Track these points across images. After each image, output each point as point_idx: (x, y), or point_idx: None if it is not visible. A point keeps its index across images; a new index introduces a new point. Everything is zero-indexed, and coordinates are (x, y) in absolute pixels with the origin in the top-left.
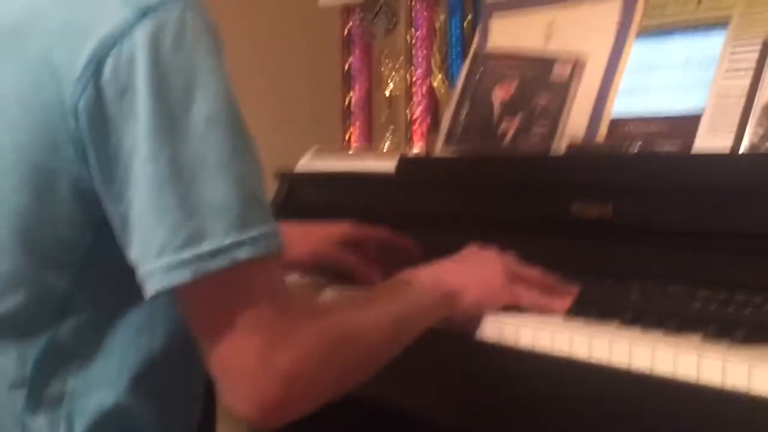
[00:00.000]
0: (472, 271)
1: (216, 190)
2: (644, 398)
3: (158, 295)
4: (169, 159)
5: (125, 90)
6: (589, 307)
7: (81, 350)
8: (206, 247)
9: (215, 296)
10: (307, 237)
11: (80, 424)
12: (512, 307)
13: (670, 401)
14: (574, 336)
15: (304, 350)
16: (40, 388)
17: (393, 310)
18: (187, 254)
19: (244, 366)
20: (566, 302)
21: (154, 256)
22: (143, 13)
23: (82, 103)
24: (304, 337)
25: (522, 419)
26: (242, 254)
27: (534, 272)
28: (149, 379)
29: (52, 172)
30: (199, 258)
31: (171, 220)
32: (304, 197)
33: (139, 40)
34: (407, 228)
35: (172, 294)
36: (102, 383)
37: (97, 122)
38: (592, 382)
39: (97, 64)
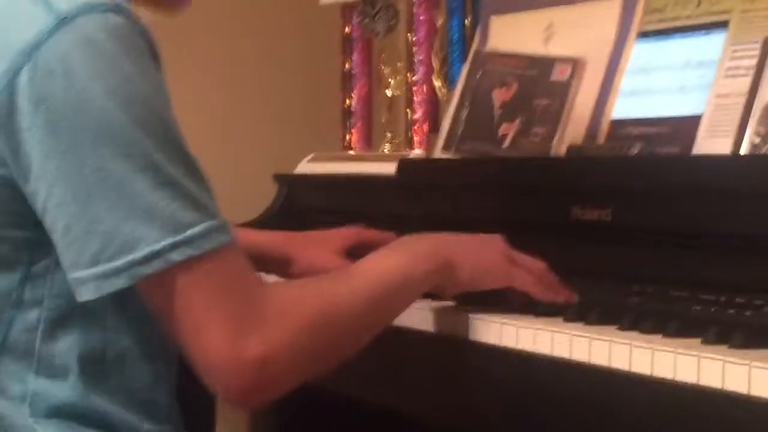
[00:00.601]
0: (471, 246)
1: (144, 195)
2: (644, 401)
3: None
4: (91, 170)
5: (39, 102)
6: (589, 310)
7: (35, 349)
8: (140, 252)
9: (166, 296)
10: (308, 247)
11: (46, 421)
12: (502, 301)
13: (670, 404)
14: (573, 339)
15: (274, 333)
16: (3, 384)
17: (383, 280)
18: (120, 262)
19: (215, 355)
20: (560, 296)
21: (86, 266)
22: (62, 22)
23: None
24: (273, 319)
25: (522, 423)
26: (178, 256)
27: (537, 263)
28: (107, 373)
29: None
30: (134, 264)
31: (102, 229)
32: (304, 200)
33: (56, 50)
34: (408, 230)
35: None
36: (63, 380)
37: (9, 132)
38: (592, 386)
39: (12, 75)
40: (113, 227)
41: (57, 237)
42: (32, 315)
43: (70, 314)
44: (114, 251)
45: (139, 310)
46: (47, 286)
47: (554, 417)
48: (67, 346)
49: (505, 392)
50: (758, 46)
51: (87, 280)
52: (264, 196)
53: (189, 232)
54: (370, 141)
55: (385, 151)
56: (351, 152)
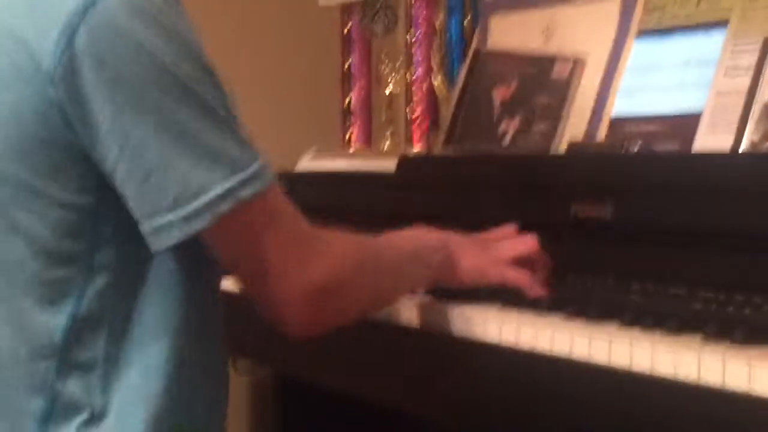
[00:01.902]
0: (469, 245)
1: (209, 138)
2: (644, 399)
3: (173, 247)
4: (158, 119)
5: (101, 60)
6: (589, 307)
7: (108, 316)
8: (213, 192)
9: (237, 233)
10: None
11: (116, 388)
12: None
13: (671, 402)
14: (574, 337)
15: (335, 261)
16: (71, 355)
17: (404, 255)
18: (199, 203)
19: (283, 284)
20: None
21: (168, 210)
22: None
23: (59, 73)
24: (332, 250)
25: (522, 420)
26: (247, 192)
27: (526, 244)
28: (181, 344)
29: (43, 141)
30: (211, 204)
31: (177, 173)
32: (305, 197)
33: (108, 8)
34: (407, 227)
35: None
36: (134, 347)
37: (75, 91)
38: (592, 383)
39: (71, 33)
40: (187, 171)
41: (131, 189)
42: (102, 280)
43: (139, 280)
44: (192, 193)
45: (204, 281)
46: (114, 251)
47: (553, 414)
48: (137, 310)
49: (504, 390)
50: (758, 44)
51: (171, 224)
52: None
53: (250, 170)
54: (370, 139)
55: (385, 148)
56: (351, 150)
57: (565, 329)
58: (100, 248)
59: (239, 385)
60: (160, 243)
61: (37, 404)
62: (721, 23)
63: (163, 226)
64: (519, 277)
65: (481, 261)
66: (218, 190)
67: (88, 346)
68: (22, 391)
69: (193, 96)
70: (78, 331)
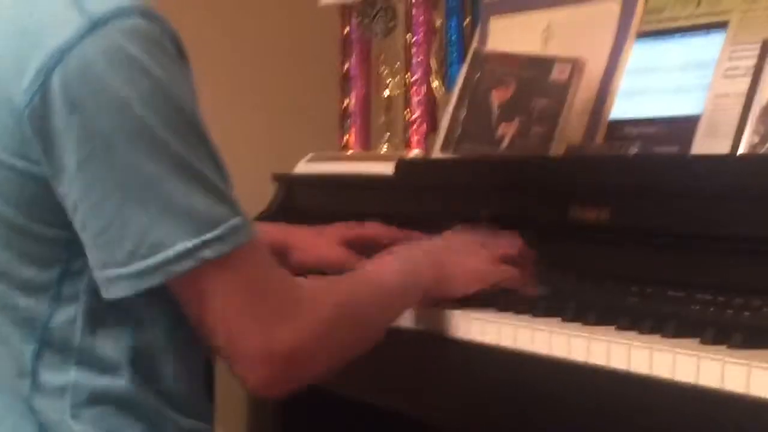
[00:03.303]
0: (460, 254)
1: (176, 194)
2: (643, 402)
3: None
4: (126, 171)
5: (73, 105)
6: (587, 310)
7: (76, 341)
8: (172, 251)
9: (198, 292)
10: (306, 236)
11: (85, 414)
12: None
13: (669, 405)
14: (571, 339)
15: (304, 324)
16: (42, 378)
17: (393, 282)
18: (153, 260)
19: (246, 346)
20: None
21: (121, 265)
22: (94, 25)
23: (27, 112)
24: (302, 313)
25: (519, 423)
26: (210, 253)
27: (514, 245)
28: (147, 364)
29: (21, 174)
30: (167, 262)
31: (135, 229)
32: (303, 200)
33: (87, 54)
34: (406, 229)
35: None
36: (103, 371)
37: (44, 132)
38: (590, 386)
39: (45, 76)
40: (147, 227)
41: (88, 237)
42: (70, 310)
43: (107, 308)
44: (147, 250)
45: (173, 305)
46: (85, 282)
47: (552, 417)
48: (106, 339)
49: (502, 392)
50: (757, 46)
51: (121, 278)
52: (263, 195)
53: (218, 231)
54: (368, 141)
55: (383, 151)
56: (349, 152)
57: (562, 332)
58: (69, 279)
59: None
60: (111, 293)
61: (22, 420)
62: (720, 25)
63: (114, 279)
64: (512, 275)
65: (476, 265)
66: (178, 248)
67: (57, 372)
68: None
69: (165, 150)
70: (48, 357)
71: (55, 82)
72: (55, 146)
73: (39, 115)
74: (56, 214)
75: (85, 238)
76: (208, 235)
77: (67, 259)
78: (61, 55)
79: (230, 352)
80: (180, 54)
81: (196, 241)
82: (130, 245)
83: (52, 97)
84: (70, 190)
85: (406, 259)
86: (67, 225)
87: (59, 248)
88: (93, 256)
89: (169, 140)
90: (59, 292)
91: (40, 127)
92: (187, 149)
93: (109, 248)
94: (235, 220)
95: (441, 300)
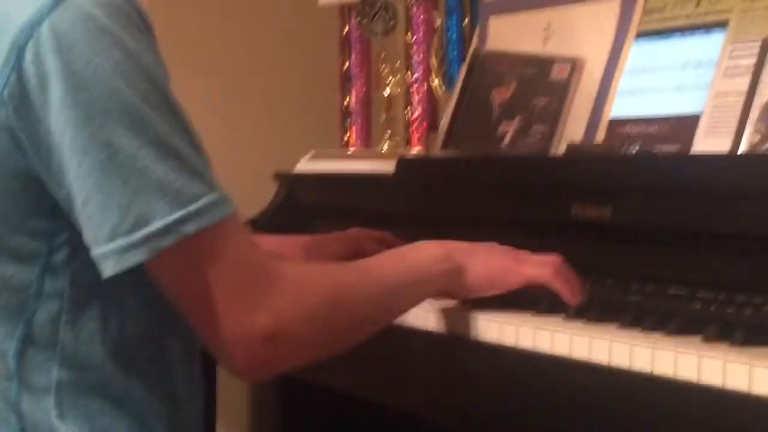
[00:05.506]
0: (480, 251)
1: (154, 170)
2: (644, 400)
3: (116, 275)
4: (102, 145)
5: (46, 79)
6: (589, 309)
7: (59, 338)
8: (154, 226)
9: (179, 269)
10: (303, 252)
11: (71, 412)
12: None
13: (671, 403)
14: (573, 337)
15: (285, 308)
16: (27, 378)
17: (394, 275)
18: (137, 236)
19: (226, 328)
20: (576, 290)
21: (106, 240)
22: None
23: (6, 93)
24: (284, 294)
25: (522, 420)
26: (190, 228)
27: (549, 257)
28: (131, 357)
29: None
30: (150, 237)
31: (117, 203)
32: (303, 198)
33: (57, 27)
34: (406, 229)
35: (143, 269)
36: (87, 368)
37: (24, 111)
38: (592, 384)
39: (18, 52)
40: (127, 201)
41: (77, 212)
42: (53, 305)
43: (91, 302)
44: (130, 225)
45: (157, 298)
46: (67, 276)
47: (554, 415)
48: (90, 333)
49: (504, 390)
50: (757, 45)
51: (108, 255)
52: (264, 193)
53: (197, 204)
54: (368, 140)
55: (384, 149)
56: (350, 150)
57: (564, 330)
58: (51, 274)
59: (239, 384)
60: (103, 272)
61: (7, 419)
62: (720, 24)
63: (101, 257)
64: (541, 273)
65: (499, 262)
66: (159, 223)
67: (41, 371)
68: None
69: (140, 123)
70: (31, 355)
71: (28, 57)
72: (41, 121)
73: (18, 93)
74: (37, 207)
75: (76, 214)
76: (187, 210)
77: (48, 252)
78: (31, 29)
79: (210, 332)
80: (146, 24)
81: (175, 216)
82: (113, 220)
83: (26, 74)
84: (53, 167)
85: (418, 251)
86: (48, 216)
87: (40, 241)
88: (85, 233)
89: (143, 112)
90: (41, 288)
91: (20, 107)
92: (161, 122)
93: (95, 223)
94: (212, 195)
95: (459, 295)
